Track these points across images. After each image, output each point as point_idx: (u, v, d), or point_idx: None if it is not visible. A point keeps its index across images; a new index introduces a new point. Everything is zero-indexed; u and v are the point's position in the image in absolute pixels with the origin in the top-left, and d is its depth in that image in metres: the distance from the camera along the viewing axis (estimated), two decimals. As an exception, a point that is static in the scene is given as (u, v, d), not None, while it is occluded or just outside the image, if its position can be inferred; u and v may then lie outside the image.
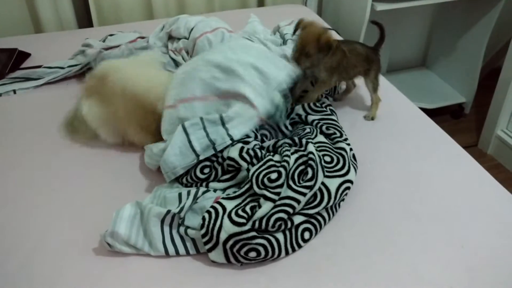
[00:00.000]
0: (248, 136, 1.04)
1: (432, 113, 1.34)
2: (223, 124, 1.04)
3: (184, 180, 1.02)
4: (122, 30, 1.71)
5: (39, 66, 1.49)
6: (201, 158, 1.00)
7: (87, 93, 1.16)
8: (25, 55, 1.58)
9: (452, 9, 2.44)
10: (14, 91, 1.39)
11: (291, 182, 0.90)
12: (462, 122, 2.49)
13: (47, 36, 1.78)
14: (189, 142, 1.01)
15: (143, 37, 1.52)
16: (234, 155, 0.98)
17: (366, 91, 1.40)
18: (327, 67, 1.17)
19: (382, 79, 1.50)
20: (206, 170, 1.01)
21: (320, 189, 0.93)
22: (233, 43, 1.19)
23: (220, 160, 1.01)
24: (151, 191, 1.02)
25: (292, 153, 0.96)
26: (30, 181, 1.07)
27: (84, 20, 1.99)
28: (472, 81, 2.41)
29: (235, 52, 1.12)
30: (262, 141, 1.08)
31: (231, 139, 1.02)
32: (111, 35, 1.56)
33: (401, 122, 1.29)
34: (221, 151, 1.01)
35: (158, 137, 1.10)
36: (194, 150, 1.01)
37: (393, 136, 1.22)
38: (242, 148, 0.99)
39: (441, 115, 2.50)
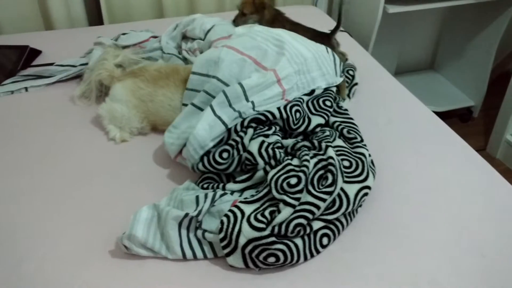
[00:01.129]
0: (271, 123, 1.06)
1: (440, 116, 1.34)
2: (247, 98, 1.08)
3: (200, 165, 1.01)
4: (132, 28, 1.70)
5: (51, 64, 1.48)
6: (229, 126, 1.03)
7: (122, 76, 1.23)
8: (36, 52, 1.58)
9: (462, 12, 2.43)
10: (26, 89, 1.38)
11: (310, 188, 0.89)
12: (470, 126, 2.48)
13: (58, 33, 1.77)
14: (218, 117, 1.04)
15: (155, 37, 1.51)
16: (253, 150, 0.97)
17: (381, 96, 1.40)
18: None
19: (394, 82, 1.50)
20: (225, 155, 1.01)
21: (339, 194, 0.92)
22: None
23: (240, 147, 1.01)
24: (167, 192, 1.02)
25: (311, 157, 0.95)
26: (43, 181, 1.06)
27: (94, 17, 1.98)
28: (481, 84, 2.41)
29: (297, 40, 1.20)
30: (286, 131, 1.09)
31: (256, 111, 1.07)
32: (123, 33, 1.55)
33: (414, 125, 1.28)
34: (241, 136, 1.03)
35: None
36: (223, 122, 1.03)
37: (407, 139, 1.21)
38: (262, 142, 0.98)
39: (449, 119, 2.49)
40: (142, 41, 1.49)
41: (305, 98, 1.15)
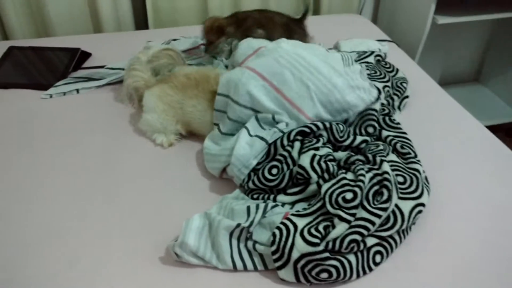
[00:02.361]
0: (319, 136, 1.05)
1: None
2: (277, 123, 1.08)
3: (250, 183, 1.00)
4: (177, 33, 1.72)
5: (102, 67, 1.50)
6: (270, 141, 1.02)
7: (152, 84, 1.22)
8: (86, 55, 1.61)
9: (511, 23, 2.35)
10: (77, 91, 1.41)
11: (365, 203, 0.87)
12: (517, 141, 2.40)
13: (106, 36, 1.81)
14: (256, 135, 1.03)
15: (204, 44, 1.52)
16: (305, 164, 0.96)
17: (431, 109, 1.36)
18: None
19: (443, 94, 1.46)
20: (274, 171, 0.99)
21: (393, 211, 0.90)
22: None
23: (289, 161, 0.99)
24: (215, 200, 1.02)
25: (366, 172, 0.93)
26: (93, 183, 1.08)
27: (141, 21, 2.01)
28: (530, 99, 2.32)
29: (315, 54, 1.14)
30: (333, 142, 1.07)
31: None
32: (174, 39, 1.56)
33: (467, 141, 1.24)
34: (287, 150, 1.01)
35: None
36: (262, 138, 1.03)
37: (461, 155, 1.18)
38: (314, 156, 0.96)
39: (495, 133, 2.40)
40: (193, 48, 1.50)
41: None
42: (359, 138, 1.07)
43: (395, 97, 1.32)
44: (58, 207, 1.01)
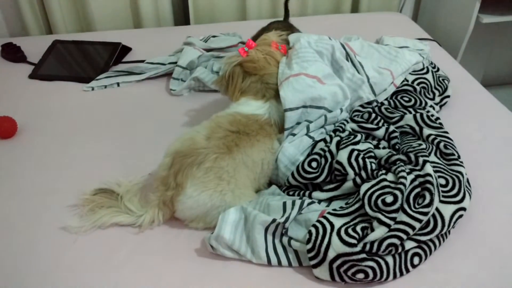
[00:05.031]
0: (355, 131, 1.07)
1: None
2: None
3: (290, 178, 0.99)
4: (216, 29, 1.73)
5: (142, 61, 1.53)
6: (316, 139, 1.04)
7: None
8: (127, 49, 1.64)
9: (561, 23, 2.26)
10: (118, 84, 1.45)
11: (406, 206, 0.85)
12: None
13: (146, 31, 1.84)
14: (307, 135, 1.04)
15: (244, 42, 1.52)
16: (342, 160, 0.95)
17: (474, 110, 1.32)
18: None
19: (487, 95, 1.41)
20: (314, 164, 0.99)
21: (433, 215, 0.87)
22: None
23: (327, 155, 0.99)
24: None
25: (408, 173, 0.91)
26: (130, 175, 1.09)
27: (180, 17, 2.04)
28: None
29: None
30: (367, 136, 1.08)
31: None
32: (213, 36, 1.57)
33: (510, 142, 1.19)
34: (327, 146, 1.01)
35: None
36: (310, 136, 1.03)
37: (504, 158, 1.14)
38: (352, 151, 0.95)
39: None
40: (230, 46, 1.50)
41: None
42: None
43: (436, 92, 1.29)
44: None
